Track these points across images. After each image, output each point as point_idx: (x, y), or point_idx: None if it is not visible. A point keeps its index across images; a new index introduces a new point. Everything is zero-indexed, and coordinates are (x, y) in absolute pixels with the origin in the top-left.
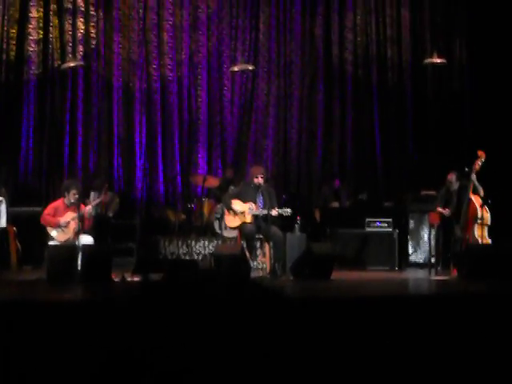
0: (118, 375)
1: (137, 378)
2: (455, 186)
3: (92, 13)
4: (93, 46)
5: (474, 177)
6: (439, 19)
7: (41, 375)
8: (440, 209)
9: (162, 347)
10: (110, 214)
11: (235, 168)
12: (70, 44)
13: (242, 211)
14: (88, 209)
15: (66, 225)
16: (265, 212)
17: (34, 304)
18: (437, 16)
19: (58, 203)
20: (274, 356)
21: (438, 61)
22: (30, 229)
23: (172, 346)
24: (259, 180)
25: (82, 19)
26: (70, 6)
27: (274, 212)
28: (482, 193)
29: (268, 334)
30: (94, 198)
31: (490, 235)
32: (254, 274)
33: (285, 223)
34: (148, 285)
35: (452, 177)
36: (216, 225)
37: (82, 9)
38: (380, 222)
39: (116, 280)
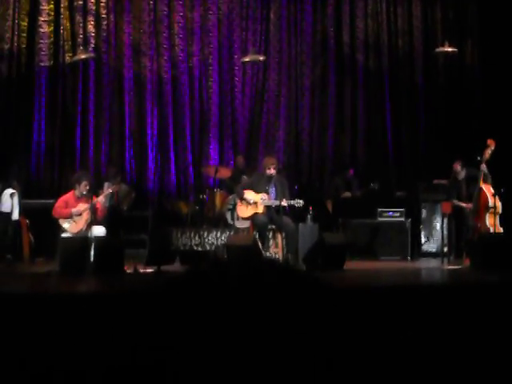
0: (131, 367)
1: (152, 370)
2: (462, 174)
3: (102, 4)
4: (103, 38)
5: (483, 166)
6: (450, 8)
7: (53, 367)
8: (464, 204)
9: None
10: (124, 208)
11: (245, 155)
12: (81, 36)
13: (254, 201)
14: (100, 199)
15: (78, 214)
16: (277, 203)
17: (46, 296)
18: (448, 5)
19: (69, 196)
20: (284, 346)
21: (449, 50)
22: (43, 221)
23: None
24: (271, 171)
25: (92, 11)
26: (80, 3)
27: (284, 202)
28: (490, 182)
29: (282, 323)
30: (107, 188)
31: (501, 224)
32: None
33: (297, 214)
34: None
35: (457, 166)
36: (228, 216)
37: (93, 0)
38: (392, 211)
39: (128, 272)
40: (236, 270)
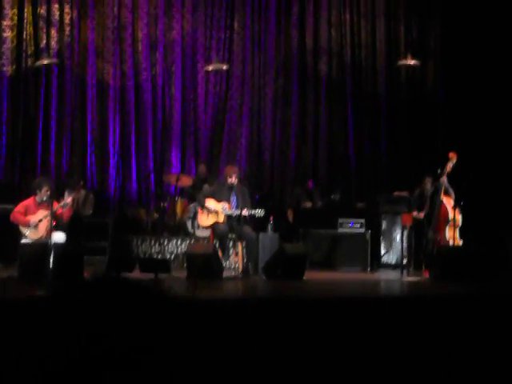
0: (90, 372)
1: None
2: (430, 191)
3: (66, 10)
4: (67, 44)
5: (445, 179)
6: (413, 23)
7: (10, 373)
8: (415, 213)
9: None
10: (90, 211)
11: (207, 164)
12: (44, 41)
13: (215, 210)
14: (61, 205)
15: (36, 224)
16: (238, 212)
17: (3, 302)
18: (411, 18)
19: (29, 201)
20: (246, 357)
21: (412, 62)
22: (2, 226)
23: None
24: (233, 180)
25: (56, 17)
26: (43, 9)
27: (245, 212)
28: (452, 195)
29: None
30: (68, 197)
31: (461, 236)
32: (226, 274)
33: (258, 223)
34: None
35: (427, 182)
36: (189, 224)
37: (57, 5)
38: (353, 222)
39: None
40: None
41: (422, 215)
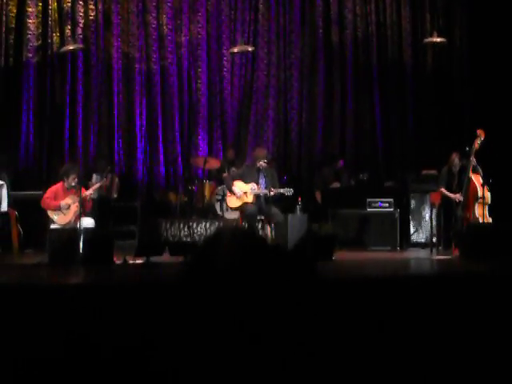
0: (121, 359)
1: (143, 363)
2: (458, 166)
3: None
4: (92, 29)
5: (473, 156)
6: None
7: (42, 359)
8: (452, 194)
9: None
10: (115, 196)
11: (236, 148)
12: (69, 27)
13: (244, 191)
14: (89, 192)
15: (66, 207)
16: (267, 191)
17: (35, 288)
18: None
19: (58, 187)
20: (276, 338)
21: (438, 40)
22: (32, 212)
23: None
24: (262, 163)
25: (81, 2)
26: None
27: (272, 192)
28: (480, 172)
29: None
30: (96, 181)
31: (490, 214)
32: None
33: (286, 204)
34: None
35: (455, 157)
36: (217, 206)
37: None
38: (381, 202)
39: (118, 263)
40: (227, 254)
41: (459, 196)
